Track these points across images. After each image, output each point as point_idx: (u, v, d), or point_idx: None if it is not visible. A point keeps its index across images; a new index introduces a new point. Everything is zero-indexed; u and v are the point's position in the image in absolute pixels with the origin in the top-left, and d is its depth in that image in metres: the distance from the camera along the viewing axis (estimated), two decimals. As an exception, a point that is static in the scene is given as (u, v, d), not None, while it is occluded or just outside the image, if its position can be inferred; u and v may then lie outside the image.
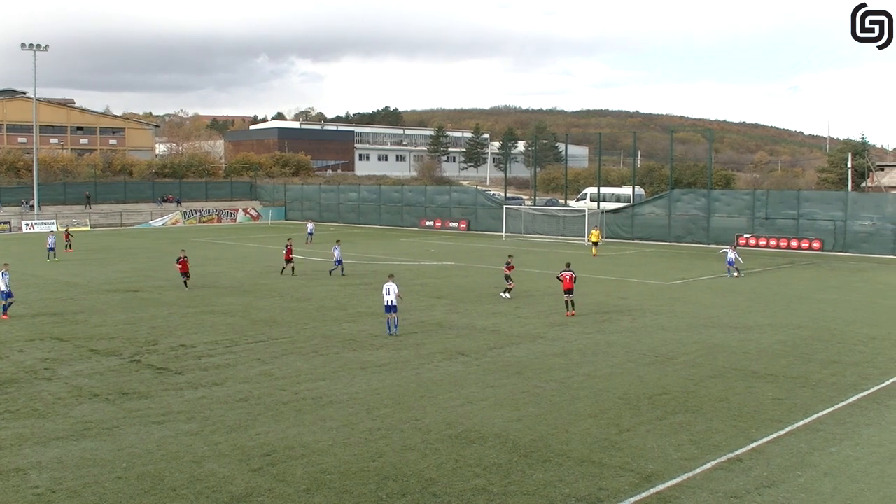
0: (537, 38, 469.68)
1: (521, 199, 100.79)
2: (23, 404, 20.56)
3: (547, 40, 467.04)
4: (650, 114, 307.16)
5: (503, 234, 77.01)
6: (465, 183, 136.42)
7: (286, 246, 47.36)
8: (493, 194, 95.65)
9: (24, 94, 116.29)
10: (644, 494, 14.73)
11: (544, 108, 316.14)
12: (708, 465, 16.16)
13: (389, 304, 29.15)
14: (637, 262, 55.44)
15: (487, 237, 77.92)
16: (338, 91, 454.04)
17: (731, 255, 47.42)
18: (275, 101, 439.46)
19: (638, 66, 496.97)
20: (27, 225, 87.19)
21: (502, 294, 38.50)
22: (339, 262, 46.46)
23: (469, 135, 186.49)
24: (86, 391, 21.82)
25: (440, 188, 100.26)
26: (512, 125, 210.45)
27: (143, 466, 16.08)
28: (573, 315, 33.42)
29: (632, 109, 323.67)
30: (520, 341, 28.40)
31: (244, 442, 17.53)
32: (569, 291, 33.95)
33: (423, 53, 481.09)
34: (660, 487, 15.03)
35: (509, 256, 41.09)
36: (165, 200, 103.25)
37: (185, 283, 41.21)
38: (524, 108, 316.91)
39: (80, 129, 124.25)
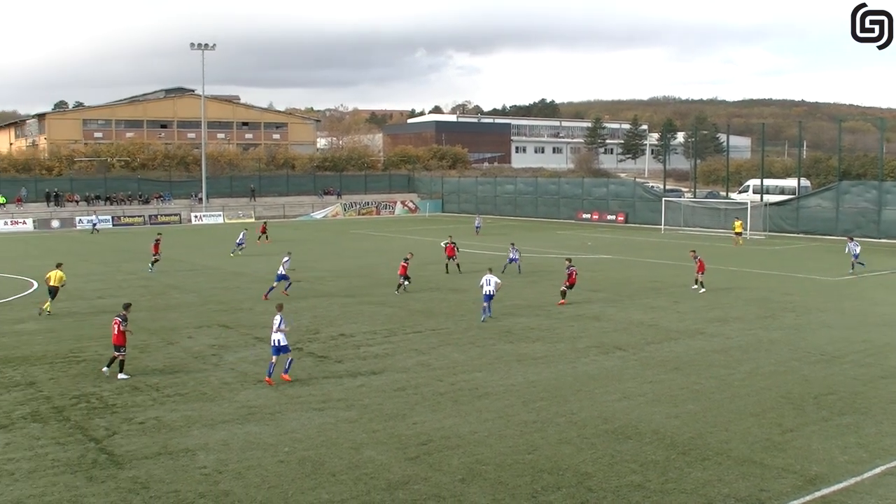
0: (699, 26, 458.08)
1: (681, 191, 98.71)
2: (191, 388, 21.50)
3: (709, 28, 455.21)
4: (816, 102, 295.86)
5: (662, 227, 75.68)
6: (622, 175, 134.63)
7: (447, 244, 46.23)
8: (652, 186, 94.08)
9: (193, 91, 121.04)
10: (808, 498, 14.26)
11: (704, 98, 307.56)
12: (877, 470, 15.51)
13: (490, 293, 30.77)
14: (802, 257, 53.62)
15: (646, 230, 76.74)
16: (494, 84, 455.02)
17: (856, 247, 45.81)
18: (432, 94, 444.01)
19: (803, 53, 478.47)
20: (196, 217, 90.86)
21: (694, 287, 38.18)
22: (512, 260, 45.48)
23: (627, 126, 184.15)
24: (250, 377, 22.64)
25: (597, 180, 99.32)
26: (671, 116, 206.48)
27: (304, 451, 16.57)
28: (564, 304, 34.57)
29: (797, 98, 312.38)
30: (678, 336, 27.91)
31: (401, 430, 17.84)
32: (571, 286, 35.49)
33: (581, 44, 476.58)
34: (825, 491, 14.53)
35: (692, 251, 40.06)
36: (326, 193, 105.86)
37: (402, 286, 38.05)
38: (683, 98, 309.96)
39: (245, 124, 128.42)
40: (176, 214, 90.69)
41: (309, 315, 32.18)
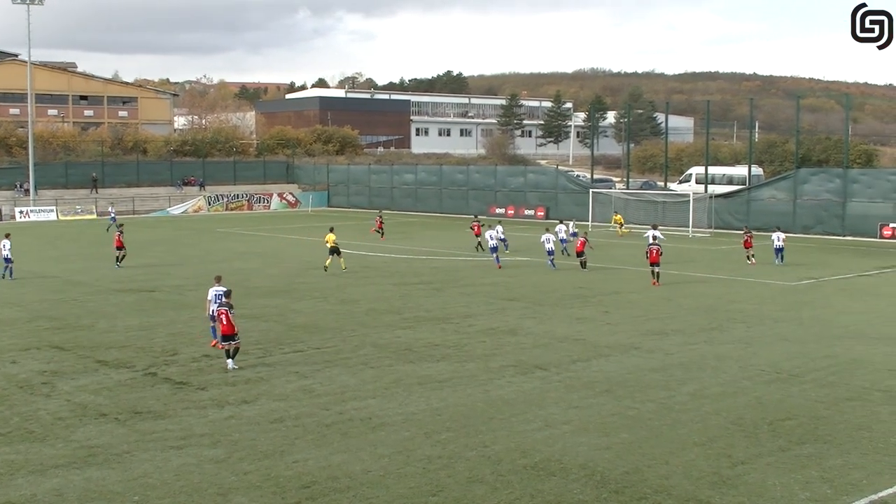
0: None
1: (612, 181, 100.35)
2: (16, 425, 20.89)
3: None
4: (771, 76, 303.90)
5: (589, 223, 76.50)
6: (543, 162, 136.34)
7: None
8: (578, 176, 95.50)
9: (17, 56, 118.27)
10: (763, 541, 14.50)
11: (640, 72, 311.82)
12: (843, 508, 15.86)
13: (550, 249, 47.12)
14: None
15: (570, 227, 77.54)
16: (392, 52, 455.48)
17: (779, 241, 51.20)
18: (317, 64, 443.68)
19: (756, 17, 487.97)
20: (21, 213, 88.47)
21: (749, 260, 50.07)
22: (503, 240, 48.87)
23: (548, 104, 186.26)
24: (91, 410, 22.14)
25: (513, 169, 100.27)
26: (600, 92, 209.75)
27: (159, 500, 16.26)
28: (657, 285, 41.60)
29: (748, 71, 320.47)
30: (609, 353, 28.21)
31: (279, 471, 17.64)
32: (654, 264, 42.31)
33: (495, 6, 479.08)
34: (783, 533, 14.80)
35: (746, 227, 50.73)
36: (186, 184, 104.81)
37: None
38: (615, 70, 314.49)
39: (83, 98, 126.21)
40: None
41: (165, 332, 31.66)
